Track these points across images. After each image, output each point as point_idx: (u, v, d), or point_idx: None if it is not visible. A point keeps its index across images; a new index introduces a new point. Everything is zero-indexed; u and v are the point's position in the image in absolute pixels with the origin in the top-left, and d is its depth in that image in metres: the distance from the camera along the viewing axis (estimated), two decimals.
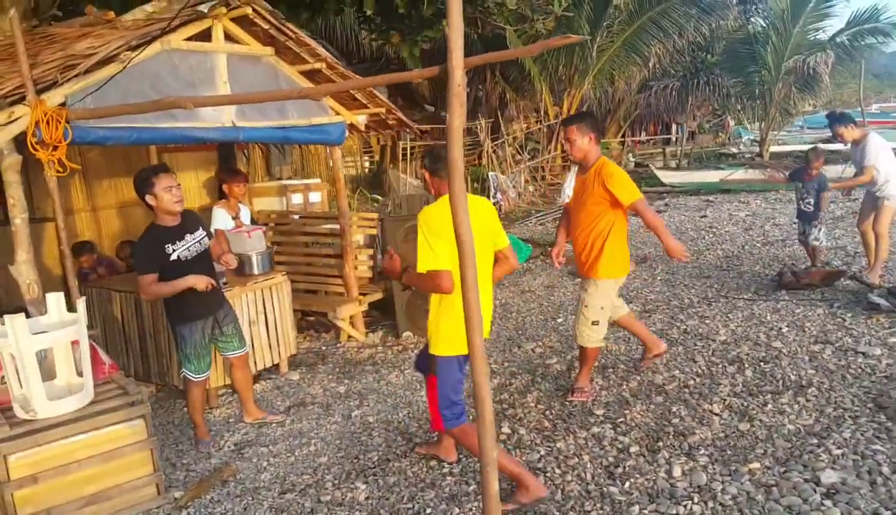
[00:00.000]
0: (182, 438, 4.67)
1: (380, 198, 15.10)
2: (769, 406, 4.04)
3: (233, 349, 4.54)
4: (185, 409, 4.70)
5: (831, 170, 13.53)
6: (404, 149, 15.86)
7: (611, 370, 4.96)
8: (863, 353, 4.67)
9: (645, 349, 4.91)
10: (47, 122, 3.81)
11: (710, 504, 3.10)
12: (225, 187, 5.91)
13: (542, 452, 3.80)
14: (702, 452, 3.60)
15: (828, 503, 2.96)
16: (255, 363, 5.35)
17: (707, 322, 5.84)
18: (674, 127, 24.92)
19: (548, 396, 4.61)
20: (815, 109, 25.23)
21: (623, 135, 22.03)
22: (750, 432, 3.75)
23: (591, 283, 4.37)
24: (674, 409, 4.16)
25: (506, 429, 4.15)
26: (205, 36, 4.81)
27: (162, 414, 5.09)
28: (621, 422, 4.06)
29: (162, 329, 5.06)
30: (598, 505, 3.22)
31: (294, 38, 5.22)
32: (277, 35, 5.15)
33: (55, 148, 3.91)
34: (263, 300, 5.44)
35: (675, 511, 3.08)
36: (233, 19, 4.92)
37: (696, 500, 3.14)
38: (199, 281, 4.10)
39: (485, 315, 3.37)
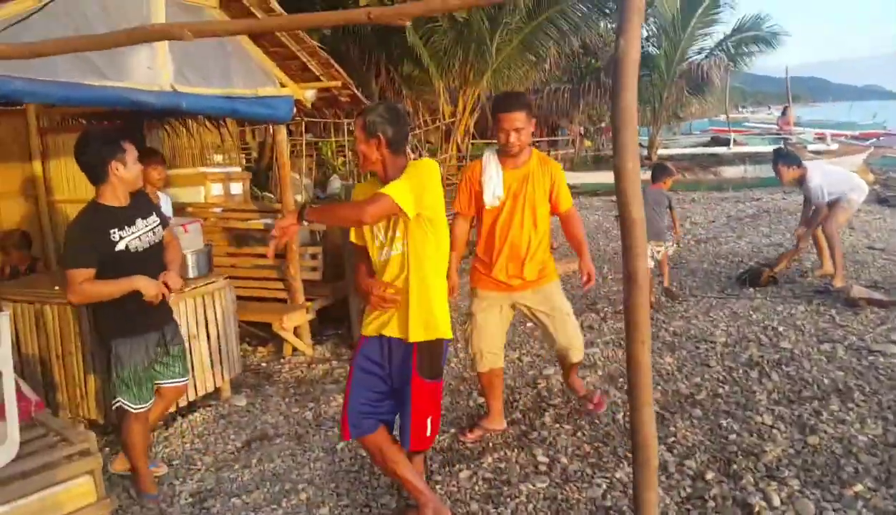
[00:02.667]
0: (114, 492, 3.55)
1: (272, 196, 13.87)
2: (823, 414, 3.66)
3: (172, 376, 3.49)
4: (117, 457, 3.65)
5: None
6: (294, 145, 14.72)
7: (621, 379, 4.43)
8: (879, 352, 4.44)
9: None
10: None
11: None
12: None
13: (604, 486, 3.16)
14: (786, 473, 3.12)
15: None
16: (196, 388, 4.33)
17: (693, 322, 5.48)
18: (558, 131, 25.29)
19: (562, 417, 3.99)
20: (695, 116, 26.36)
21: None
22: (823, 446, 3.33)
23: (554, 287, 3.71)
24: (722, 423, 3.68)
25: (542, 458, 3.47)
26: None
27: None
28: (673, 443, 3.51)
29: (75, 349, 3.97)
30: None
31: None
32: None
33: None
34: (204, 309, 4.43)
35: None
36: None
37: None
38: (150, 286, 3.14)
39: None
